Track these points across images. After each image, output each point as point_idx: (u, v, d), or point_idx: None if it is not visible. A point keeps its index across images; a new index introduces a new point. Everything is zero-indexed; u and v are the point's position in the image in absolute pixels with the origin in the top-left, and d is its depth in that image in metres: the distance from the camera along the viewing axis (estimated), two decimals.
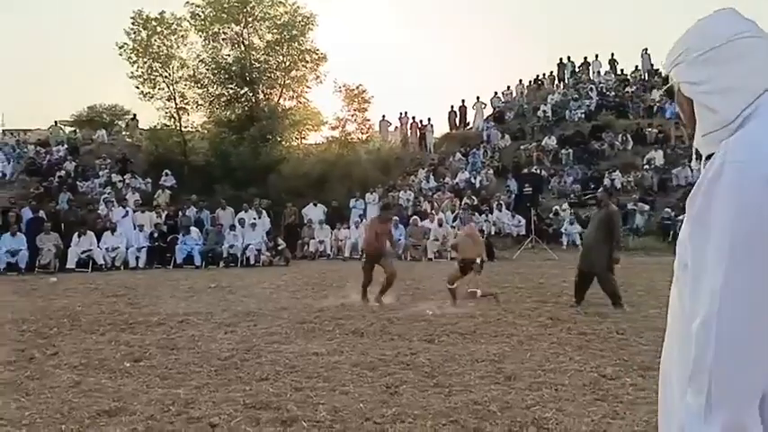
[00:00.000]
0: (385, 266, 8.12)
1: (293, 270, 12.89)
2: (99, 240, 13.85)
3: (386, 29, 68.32)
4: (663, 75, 19.53)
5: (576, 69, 28.02)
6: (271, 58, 22.49)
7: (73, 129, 26.61)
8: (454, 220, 16.29)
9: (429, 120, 25.42)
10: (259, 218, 15.63)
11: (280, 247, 14.59)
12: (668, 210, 15.56)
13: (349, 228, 16.16)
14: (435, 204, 17.65)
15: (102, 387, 4.30)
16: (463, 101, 26.75)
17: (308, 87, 23.50)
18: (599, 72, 27.63)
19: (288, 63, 22.60)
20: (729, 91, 1.12)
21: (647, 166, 18.81)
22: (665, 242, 14.23)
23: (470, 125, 26.38)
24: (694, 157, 1.32)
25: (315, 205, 17.04)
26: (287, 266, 13.81)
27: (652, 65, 26.96)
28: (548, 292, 8.78)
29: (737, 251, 1.00)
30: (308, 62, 22.85)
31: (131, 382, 4.42)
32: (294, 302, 8.18)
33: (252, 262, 14.24)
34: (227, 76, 21.78)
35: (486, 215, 16.30)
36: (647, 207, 16.44)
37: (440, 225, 15.18)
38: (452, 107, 26.80)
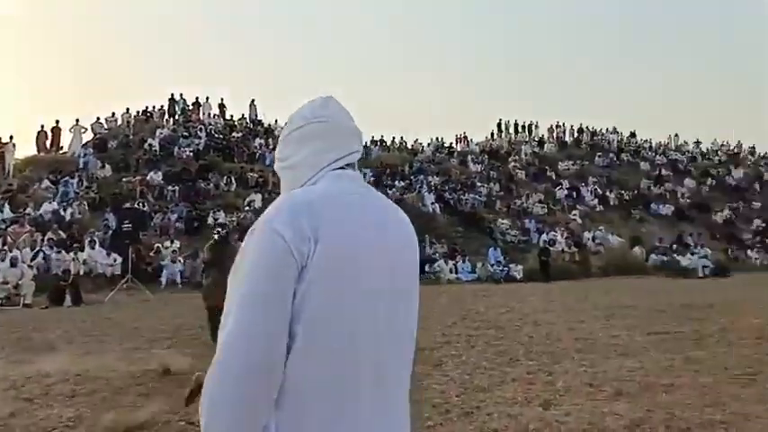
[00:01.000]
0: None
1: None
2: None
3: None
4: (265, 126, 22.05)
5: (188, 108, 28.30)
6: None
7: None
8: (33, 259, 13.88)
9: (11, 138, 21.25)
10: None
11: None
12: None
13: None
14: (10, 239, 14.65)
15: None
16: (57, 121, 23.57)
17: None
18: (209, 114, 28.66)
19: None
20: (298, 167, 1.27)
21: (247, 208, 20.23)
22: None
23: (65, 150, 23.30)
24: None
25: None
26: None
27: (257, 115, 29.68)
28: (141, 336, 8.31)
29: (245, 301, 1.06)
30: None
31: None
32: None
33: None
34: None
35: (76, 253, 14.45)
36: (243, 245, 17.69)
37: (13, 265, 12.64)
38: (43, 127, 23.22)
